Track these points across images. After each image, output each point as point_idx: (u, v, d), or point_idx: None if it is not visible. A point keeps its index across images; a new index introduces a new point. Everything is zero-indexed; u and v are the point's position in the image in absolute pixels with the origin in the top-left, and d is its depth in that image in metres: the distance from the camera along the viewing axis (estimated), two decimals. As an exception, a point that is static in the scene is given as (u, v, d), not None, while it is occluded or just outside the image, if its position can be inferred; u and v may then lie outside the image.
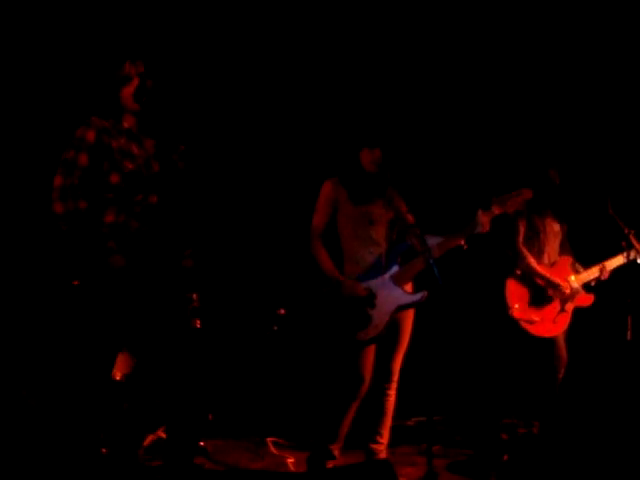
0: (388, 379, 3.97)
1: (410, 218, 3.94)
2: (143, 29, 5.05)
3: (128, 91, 3.36)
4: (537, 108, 5.80)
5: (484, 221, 3.83)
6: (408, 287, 3.94)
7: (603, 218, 4.75)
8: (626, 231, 4.74)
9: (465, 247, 3.88)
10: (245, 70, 5.59)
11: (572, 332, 4.94)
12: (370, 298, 3.81)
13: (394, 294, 3.84)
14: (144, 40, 4.91)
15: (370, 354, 3.87)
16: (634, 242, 4.76)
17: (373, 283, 3.85)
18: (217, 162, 5.51)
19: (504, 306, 4.71)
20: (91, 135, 3.30)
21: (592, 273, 4.86)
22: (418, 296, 3.85)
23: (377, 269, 3.88)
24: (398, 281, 3.85)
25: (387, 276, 3.86)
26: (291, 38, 5.55)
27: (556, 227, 4.95)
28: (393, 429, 4.13)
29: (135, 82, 3.35)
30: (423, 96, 5.76)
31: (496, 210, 3.88)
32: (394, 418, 4.10)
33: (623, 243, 4.80)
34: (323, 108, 5.69)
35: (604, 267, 4.83)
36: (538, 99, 5.80)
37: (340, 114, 5.52)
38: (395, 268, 3.88)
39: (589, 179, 5.25)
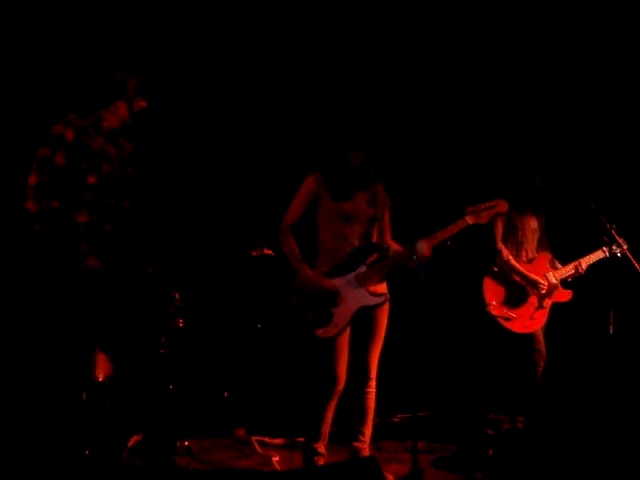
0: (366, 377, 3.93)
1: (386, 222, 3.97)
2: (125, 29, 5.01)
3: (124, 102, 3.37)
4: (519, 105, 5.81)
5: (425, 249, 3.77)
6: (380, 286, 3.92)
7: (585, 213, 4.78)
8: (608, 226, 4.78)
9: (448, 243, 3.89)
10: (234, 69, 5.56)
11: (555, 326, 4.97)
12: (333, 296, 3.81)
13: (357, 294, 3.82)
14: (125, 40, 4.88)
15: (343, 351, 3.84)
16: (616, 236, 4.79)
17: (339, 281, 3.84)
18: (199, 160, 5.49)
19: (482, 303, 4.74)
20: (70, 134, 3.27)
21: (569, 269, 4.90)
22: (380, 298, 3.87)
23: (346, 267, 3.86)
24: (363, 281, 3.84)
25: (353, 275, 3.84)
26: (284, 39, 5.53)
27: (534, 224, 4.98)
28: (379, 426, 4.13)
29: (135, 98, 3.37)
30: (409, 99, 5.76)
31: (470, 220, 3.86)
32: (379, 415, 4.10)
33: (605, 237, 4.83)
34: (305, 105, 5.67)
35: (580, 263, 4.88)
36: (519, 97, 5.81)
37: (323, 113, 5.50)
38: (362, 268, 3.86)
39: (571, 175, 5.27)
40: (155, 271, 3.55)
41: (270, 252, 4.97)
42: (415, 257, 3.64)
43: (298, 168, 4.69)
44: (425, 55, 5.71)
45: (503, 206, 3.91)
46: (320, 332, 3.80)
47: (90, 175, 3.28)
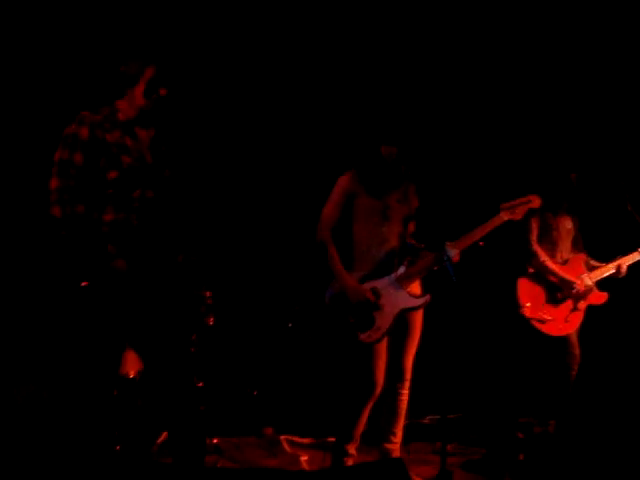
0: (401, 378, 3.92)
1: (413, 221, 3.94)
2: (145, 24, 5.02)
3: (140, 89, 3.32)
4: (555, 105, 5.74)
5: (455, 252, 3.74)
6: (415, 287, 3.89)
7: (621, 215, 4.70)
8: (645, 227, 4.69)
9: (481, 244, 3.85)
10: (261, 63, 5.57)
11: (590, 329, 4.89)
12: (375, 300, 3.76)
13: (398, 296, 3.78)
14: (144, 34, 4.89)
15: (382, 356, 3.82)
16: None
17: (379, 283, 3.79)
18: (232, 156, 5.51)
19: (516, 305, 4.68)
20: (84, 132, 3.22)
21: (605, 270, 4.81)
22: (422, 300, 3.82)
23: (385, 268, 3.82)
24: (403, 283, 3.81)
25: (393, 277, 3.80)
26: (312, 34, 5.52)
27: (569, 224, 4.90)
28: (408, 427, 4.11)
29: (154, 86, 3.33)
30: (442, 95, 5.72)
31: (505, 216, 3.84)
32: (409, 416, 4.07)
33: None
34: (340, 102, 5.66)
35: (620, 265, 4.78)
36: (557, 96, 5.74)
37: (357, 109, 5.48)
38: (402, 269, 3.82)
39: (608, 175, 5.19)
40: (186, 266, 3.53)
41: None
42: (446, 258, 3.60)
43: (327, 158, 4.67)
44: (457, 51, 5.66)
45: (537, 201, 3.89)
46: (364, 337, 3.75)
47: (111, 170, 3.23)
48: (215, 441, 4.45)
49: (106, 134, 3.25)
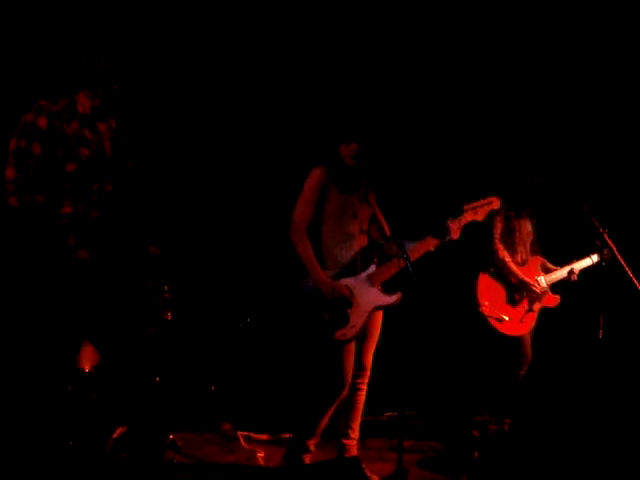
0: (360, 374, 3.94)
1: (381, 218, 3.94)
2: (117, 17, 4.96)
3: (100, 82, 3.26)
4: (514, 108, 5.80)
5: (455, 229, 3.84)
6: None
7: (578, 216, 4.76)
8: (600, 230, 4.75)
9: (433, 250, 3.87)
10: (226, 61, 5.53)
11: (544, 330, 4.96)
12: (348, 298, 3.74)
13: (371, 294, 3.78)
14: (103, 24, 4.83)
15: (351, 353, 3.81)
16: (608, 241, 4.77)
17: (351, 281, 3.78)
18: (192, 149, 5.47)
19: (475, 302, 4.73)
20: (43, 121, 3.16)
21: (560, 275, 4.88)
22: (394, 297, 3.81)
23: (354, 267, 3.82)
24: (374, 281, 3.80)
25: (364, 275, 3.80)
26: (273, 34, 5.49)
27: (529, 227, 4.97)
28: (365, 424, 4.12)
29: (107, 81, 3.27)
30: (404, 95, 5.73)
31: (468, 217, 3.91)
32: (366, 413, 4.09)
33: (597, 242, 4.81)
34: (303, 102, 5.64)
35: (573, 270, 4.86)
36: (515, 99, 5.79)
37: (318, 108, 5.47)
38: (372, 268, 3.82)
39: (565, 176, 5.26)
40: (144, 259, 3.49)
41: None
42: (406, 257, 3.61)
43: (288, 152, 4.62)
44: (424, 53, 5.68)
45: (496, 203, 3.98)
46: (339, 335, 3.73)
47: (68, 163, 3.17)
48: (171, 437, 4.41)
49: (65, 125, 3.19)
